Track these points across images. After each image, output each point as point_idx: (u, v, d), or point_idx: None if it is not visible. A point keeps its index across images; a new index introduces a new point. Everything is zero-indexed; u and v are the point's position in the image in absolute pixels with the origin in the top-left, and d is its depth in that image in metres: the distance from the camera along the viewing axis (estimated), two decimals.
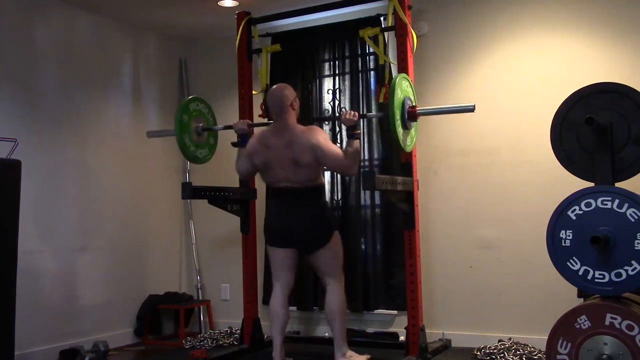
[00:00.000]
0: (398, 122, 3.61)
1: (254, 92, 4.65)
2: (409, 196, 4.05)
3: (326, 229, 3.76)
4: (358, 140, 3.67)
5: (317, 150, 3.63)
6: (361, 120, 3.87)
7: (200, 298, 5.46)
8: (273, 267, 3.90)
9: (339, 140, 4.89)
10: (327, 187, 4.85)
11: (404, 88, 3.74)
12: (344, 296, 3.81)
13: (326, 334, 4.70)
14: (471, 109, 3.73)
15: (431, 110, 3.94)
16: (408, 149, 3.85)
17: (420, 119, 4.16)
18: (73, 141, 4.73)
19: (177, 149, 5.54)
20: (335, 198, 4.90)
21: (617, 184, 3.01)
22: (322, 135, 3.71)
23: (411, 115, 3.76)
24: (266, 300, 4.62)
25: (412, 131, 3.88)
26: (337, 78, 5.00)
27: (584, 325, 2.87)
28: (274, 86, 3.88)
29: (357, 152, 3.65)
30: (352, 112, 3.69)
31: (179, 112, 4.26)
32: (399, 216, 4.37)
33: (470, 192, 4.56)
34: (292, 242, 3.77)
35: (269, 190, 3.96)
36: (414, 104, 3.83)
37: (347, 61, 4.98)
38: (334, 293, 3.77)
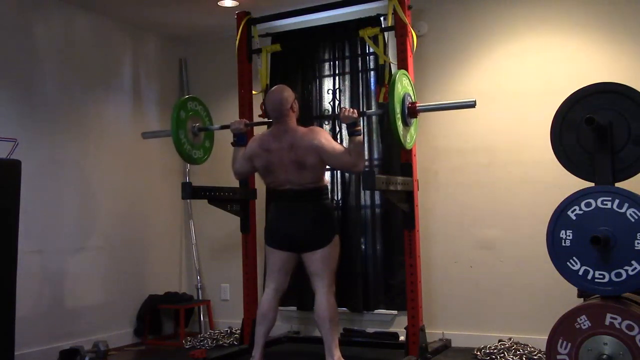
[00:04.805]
0: (398, 117, 3.59)
1: (254, 92, 4.65)
2: (409, 196, 4.05)
3: (327, 231, 3.70)
4: (360, 137, 3.62)
5: (321, 152, 3.58)
6: (361, 117, 3.83)
7: (200, 298, 5.46)
8: (269, 268, 3.86)
9: (339, 141, 4.89)
10: (328, 187, 4.85)
11: (404, 84, 3.73)
12: (334, 302, 3.66)
13: None
14: (472, 105, 3.67)
15: (431, 107, 3.91)
16: (408, 146, 3.82)
17: (420, 118, 4.16)
18: (73, 141, 4.73)
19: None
20: (335, 198, 4.90)
21: (617, 184, 3.01)
22: (324, 136, 3.66)
23: (411, 112, 3.74)
24: None
25: (412, 129, 3.85)
26: (337, 78, 5.00)
27: (584, 325, 2.87)
28: (272, 89, 3.81)
29: (361, 148, 3.60)
30: (351, 110, 3.64)
31: (176, 109, 4.19)
32: (399, 216, 4.37)
33: (470, 192, 4.56)
34: (292, 246, 3.73)
35: (270, 192, 3.93)
36: (413, 101, 3.82)
37: (347, 61, 4.98)
38: (323, 299, 3.62)
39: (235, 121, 4.11)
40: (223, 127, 4.30)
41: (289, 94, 3.73)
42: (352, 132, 3.62)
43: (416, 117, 3.83)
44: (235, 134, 4.03)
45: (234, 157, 3.97)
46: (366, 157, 4.82)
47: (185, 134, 4.23)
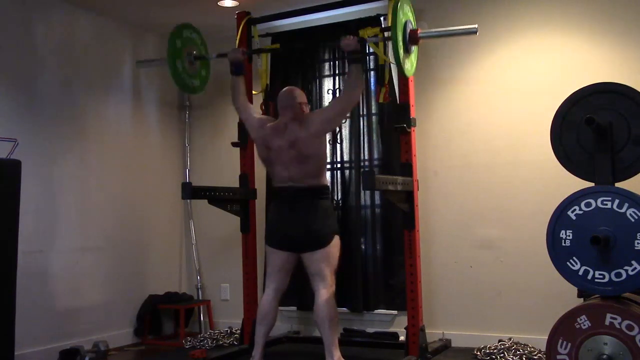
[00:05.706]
0: (400, 44, 3.59)
1: (254, 92, 4.64)
2: (409, 196, 4.05)
3: (327, 231, 3.69)
4: (359, 65, 3.71)
5: (321, 123, 3.67)
6: (359, 45, 3.80)
7: (200, 298, 5.46)
8: (270, 268, 3.87)
9: (339, 141, 4.89)
10: (329, 187, 4.85)
11: (405, 11, 3.73)
12: (334, 302, 3.65)
13: None
14: (474, 31, 3.69)
15: (433, 33, 3.86)
16: (408, 74, 3.83)
17: (419, 118, 4.17)
18: (73, 141, 4.72)
19: (177, 147, 5.60)
20: (335, 198, 4.90)
21: (617, 184, 3.01)
22: (314, 116, 3.76)
23: (412, 38, 3.74)
24: None
25: (412, 56, 3.86)
26: (337, 78, 5.00)
27: (584, 325, 2.87)
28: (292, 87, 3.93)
29: (358, 76, 3.70)
30: (350, 36, 3.74)
31: (173, 37, 4.17)
32: (399, 216, 4.36)
33: (470, 192, 4.56)
34: (292, 246, 3.73)
35: (271, 191, 3.93)
36: (414, 28, 3.81)
37: (347, 61, 4.97)
38: (323, 300, 3.61)
39: (233, 49, 4.17)
40: (220, 56, 4.28)
41: (301, 93, 3.86)
42: (352, 59, 3.72)
43: (417, 44, 3.83)
44: (233, 63, 4.08)
45: (234, 87, 4.04)
46: (366, 157, 4.83)
47: (182, 63, 4.22)
